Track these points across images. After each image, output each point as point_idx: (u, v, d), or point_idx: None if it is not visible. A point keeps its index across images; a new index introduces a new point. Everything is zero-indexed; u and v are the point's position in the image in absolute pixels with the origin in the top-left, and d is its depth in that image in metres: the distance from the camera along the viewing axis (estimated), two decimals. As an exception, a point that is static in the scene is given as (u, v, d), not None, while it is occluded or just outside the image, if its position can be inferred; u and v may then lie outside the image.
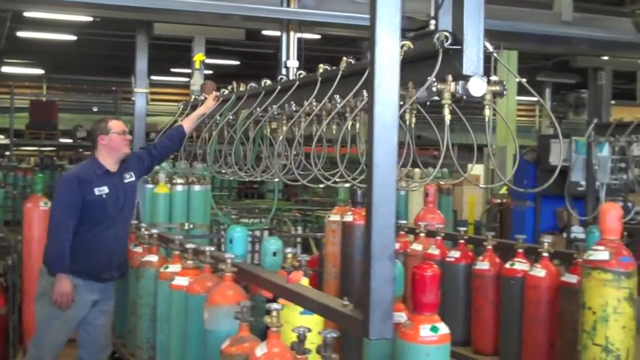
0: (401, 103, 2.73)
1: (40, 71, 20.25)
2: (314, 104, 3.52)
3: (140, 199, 5.63)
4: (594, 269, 3.35)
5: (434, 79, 2.57)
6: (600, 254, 3.36)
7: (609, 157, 6.36)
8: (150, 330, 4.14)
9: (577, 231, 7.88)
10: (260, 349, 2.72)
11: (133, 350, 4.44)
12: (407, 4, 4.02)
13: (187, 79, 21.86)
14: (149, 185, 10.14)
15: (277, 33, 5.03)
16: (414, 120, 3.12)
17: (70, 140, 19.09)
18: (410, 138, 3.30)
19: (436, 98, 2.65)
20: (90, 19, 12.77)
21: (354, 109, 3.21)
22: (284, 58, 4.99)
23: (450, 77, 2.57)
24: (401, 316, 2.92)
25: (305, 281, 3.19)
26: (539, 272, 4.03)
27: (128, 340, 4.64)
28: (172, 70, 20.15)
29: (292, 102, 3.80)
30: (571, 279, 3.76)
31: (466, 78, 2.53)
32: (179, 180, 9.98)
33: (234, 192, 17.72)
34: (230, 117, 4.69)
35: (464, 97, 2.58)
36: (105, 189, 4.47)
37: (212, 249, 3.53)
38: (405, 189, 9.72)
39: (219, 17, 5.44)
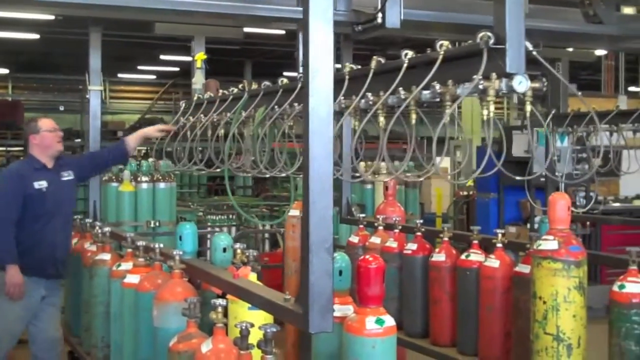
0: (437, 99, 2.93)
1: (5, 70, 20.04)
2: (343, 101, 3.56)
3: (97, 198, 5.55)
4: (544, 259, 3.36)
5: (480, 77, 2.69)
6: (550, 244, 3.36)
7: (568, 147, 6.40)
8: (104, 329, 4.10)
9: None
10: (206, 345, 2.70)
11: (89, 349, 4.40)
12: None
13: (153, 77, 21.87)
14: (114, 184, 10.09)
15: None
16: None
17: (36, 140, 18.89)
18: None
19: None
20: (52, 17, 12.65)
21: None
22: (301, 57, 4.92)
23: (494, 75, 2.69)
24: (349, 309, 2.91)
25: (253, 276, 3.17)
26: (493, 262, 4.04)
27: (84, 339, 4.60)
28: (139, 67, 20.04)
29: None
30: (524, 269, 3.77)
31: (510, 76, 2.67)
32: (144, 178, 9.93)
33: (203, 189, 17.62)
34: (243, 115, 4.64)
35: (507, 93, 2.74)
36: (44, 183, 4.61)
37: (162, 245, 3.49)
38: (376, 180, 9.72)
39: (225, 17, 5.30)
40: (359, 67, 3.57)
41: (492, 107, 2.91)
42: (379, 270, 2.73)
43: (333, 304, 2.78)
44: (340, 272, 3.00)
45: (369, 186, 11.02)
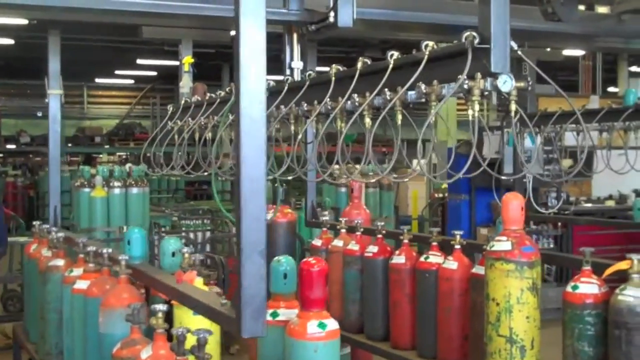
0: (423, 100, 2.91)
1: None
2: (329, 103, 3.50)
3: (57, 203, 5.48)
4: (497, 260, 3.33)
5: (465, 77, 2.68)
6: (503, 245, 3.33)
7: (535, 148, 6.38)
8: (58, 336, 4.03)
9: (512, 223, 7.90)
10: (146, 352, 2.65)
11: (43, 356, 4.32)
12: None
13: (131, 81, 21.74)
14: (86, 189, 10.00)
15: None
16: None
17: (14, 146, 18.79)
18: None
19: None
20: (26, 22, 12.53)
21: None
22: (287, 59, 4.88)
23: (479, 75, 2.70)
24: (294, 313, 2.86)
25: (199, 281, 3.12)
26: (451, 264, 4.02)
27: (39, 345, 4.52)
28: (117, 72, 19.91)
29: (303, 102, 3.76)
30: (480, 270, 3.73)
31: (495, 75, 2.68)
32: (116, 184, 9.86)
33: (180, 193, 17.53)
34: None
35: (492, 93, 2.76)
36: None
37: (110, 250, 3.43)
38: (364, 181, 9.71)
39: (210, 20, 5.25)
40: (345, 68, 3.54)
41: (477, 107, 2.87)
42: (321, 273, 2.69)
43: (267, 308, 2.77)
44: (285, 276, 2.96)
45: (343, 189, 10.99)
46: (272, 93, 3.93)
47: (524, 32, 4.85)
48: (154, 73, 19.89)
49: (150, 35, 8.35)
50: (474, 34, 2.65)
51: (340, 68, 3.41)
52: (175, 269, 3.39)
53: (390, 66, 3.01)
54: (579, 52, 14.73)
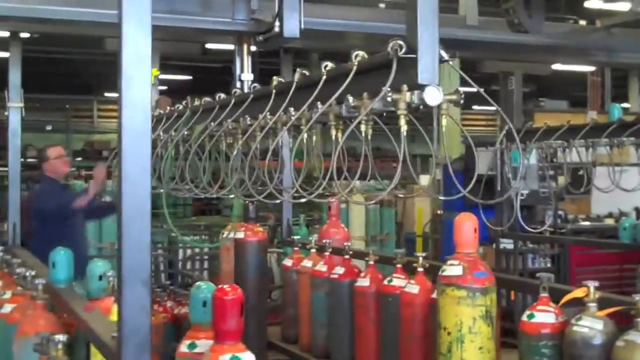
0: (356, 114, 2.66)
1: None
2: (269, 116, 3.26)
3: (17, 220, 5.31)
4: (448, 286, 3.08)
5: (389, 89, 2.45)
6: (454, 269, 3.09)
7: (520, 165, 6.12)
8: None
9: (507, 242, 7.64)
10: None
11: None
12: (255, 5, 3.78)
13: (168, 98, 21.67)
14: (79, 204, 9.83)
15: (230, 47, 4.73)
16: (370, 131, 2.88)
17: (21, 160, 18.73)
18: (368, 149, 3.03)
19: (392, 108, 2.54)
20: (28, 35, 12.48)
21: (308, 120, 2.96)
22: (237, 71, 4.70)
23: (405, 87, 2.46)
24: (208, 344, 2.62)
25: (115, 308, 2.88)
26: (413, 288, 3.75)
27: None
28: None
29: (246, 116, 3.52)
30: (440, 295, 3.48)
31: (422, 87, 2.42)
32: (108, 199, 9.69)
33: (188, 209, 17.35)
34: (185, 133, 4.46)
35: (420, 107, 2.49)
36: None
37: (34, 273, 3.22)
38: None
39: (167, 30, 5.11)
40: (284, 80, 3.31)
41: (403, 122, 2.60)
42: (235, 302, 2.44)
43: (186, 338, 2.55)
44: (205, 304, 2.72)
45: (343, 206, 10.75)
46: (221, 107, 3.71)
47: (490, 44, 4.61)
48: (164, 87, 19.80)
49: (114, 47, 8.15)
50: (401, 43, 2.40)
51: (282, 80, 3.17)
52: (101, 293, 3.16)
53: (324, 78, 2.76)
54: (588, 68, 14.48)
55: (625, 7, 6.88)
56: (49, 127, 20.02)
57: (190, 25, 3.73)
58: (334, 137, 3.00)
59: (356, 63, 2.60)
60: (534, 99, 19.54)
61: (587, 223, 8.47)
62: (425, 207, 12.61)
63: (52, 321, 2.92)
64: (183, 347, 2.67)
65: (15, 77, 5.06)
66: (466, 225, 3.15)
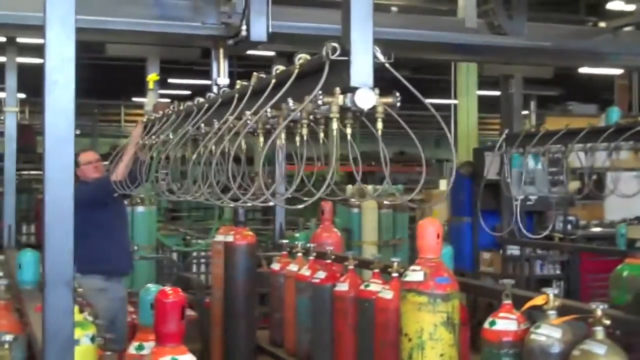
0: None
1: (22, 95, 20.15)
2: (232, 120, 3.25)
3: (12, 222, 5.37)
4: (409, 292, 3.06)
5: (320, 92, 2.40)
6: (416, 275, 3.06)
7: (521, 170, 6.05)
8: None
9: (514, 247, 7.56)
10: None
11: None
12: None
13: (166, 100, 21.86)
14: (92, 207, 9.91)
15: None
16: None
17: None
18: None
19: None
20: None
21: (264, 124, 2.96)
22: (214, 75, 4.72)
23: (338, 90, 2.40)
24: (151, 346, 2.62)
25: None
26: (387, 293, 3.71)
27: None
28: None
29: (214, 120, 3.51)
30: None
31: (354, 90, 2.36)
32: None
33: (210, 212, 17.40)
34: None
35: (357, 110, 2.41)
36: None
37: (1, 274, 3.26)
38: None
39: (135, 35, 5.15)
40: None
41: (334, 125, 2.56)
42: (176, 305, 2.45)
43: (135, 340, 2.55)
44: (152, 306, 2.72)
45: (355, 210, 10.71)
46: (198, 111, 3.72)
47: (464, 47, 4.56)
48: (188, 92, 19.94)
49: (114, 53, 8.23)
50: (335, 45, 2.37)
51: (245, 84, 3.15)
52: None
53: (273, 82, 2.74)
54: (616, 71, 14.26)
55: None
56: (78, 132, 20.22)
57: (159, 30, 3.73)
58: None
59: (298, 66, 2.56)
60: (562, 103, 19.31)
61: (598, 229, 8.32)
62: (442, 211, 12.51)
63: (12, 321, 2.94)
64: (131, 349, 2.69)
65: (11, 82, 5.12)
66: (429, 231, 3.11)
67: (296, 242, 4.95)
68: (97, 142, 19.31)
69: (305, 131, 2.53)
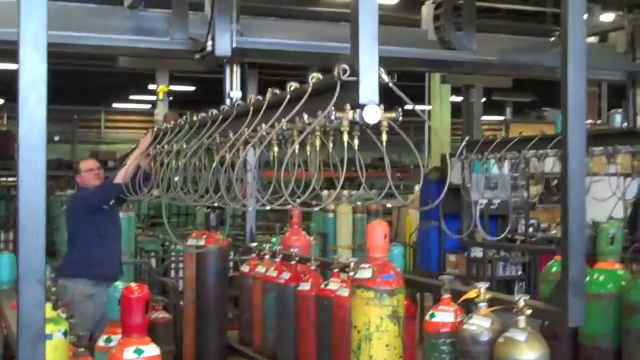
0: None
1: (0, 101, 20.33)
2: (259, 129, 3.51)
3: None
4: (358, 287, 3.33)
5: (333, 108, 2.74)
6: (364, 272, 3.33)
7: (483, 175, 6.34)
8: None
9: (478, 250, 7.85)
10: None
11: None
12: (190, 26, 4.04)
13: (148, 106, 22.03)
14: (71, 213, 10.11)
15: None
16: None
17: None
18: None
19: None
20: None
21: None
22: (227, 89, 4.99)
23: (348, 106, 2.73)
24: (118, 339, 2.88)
25: (48, 306, 3.14)
26: (344, 291, 3.99)
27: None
28: (131, 97, 20.22)
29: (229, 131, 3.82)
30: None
31: (362, 107, 2.70)
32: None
33: (190, 218, 17.60)
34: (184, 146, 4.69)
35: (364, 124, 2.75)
36: None
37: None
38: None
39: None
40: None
41: (346, 138, 2.86)
42: (140, 300, 2.71)
43: (104, 333, 2.79)
44: (120, 302, 2.98)
45: (330, 215, 10.98)
46: (213, 122, 3.99)
47: (425, 61, 4.85)
48: (170, 98, 20.13)
49: (125, 65, 8.46)
50: (345, 66, 2.69)
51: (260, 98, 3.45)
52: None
53: (287, 97, 3.05)
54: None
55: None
56: (56, 138, 20.35)
57: (129, 45, 3.98)
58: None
59: (311, 85, 2.91)
60: (538, 110, 19.63)
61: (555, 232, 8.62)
62: (416, 216, 12.81)
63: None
64: (100, 342, 2.94)
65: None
66: (377, 231, 3.39)
67: (264, 245, 5.18)
68: (76, 148, 19.45)
69: (318, 142, 2.89)
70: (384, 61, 2.75)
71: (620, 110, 7.28)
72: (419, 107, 3.36)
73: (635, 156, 5.14)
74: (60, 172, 18.00)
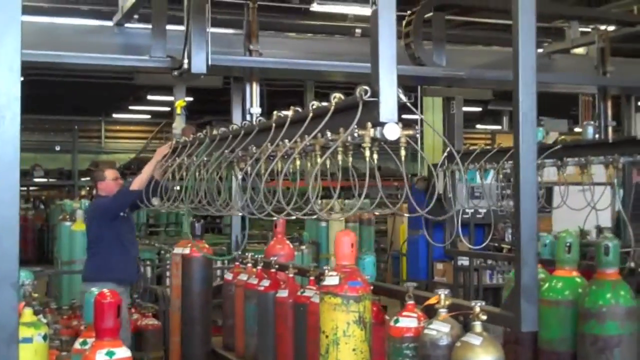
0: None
1: None
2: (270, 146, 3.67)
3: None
4: (326, 294, 3.47)
5: (356, 126, 2.94)
6: (332, 279, 3.47)
7: (463, 185, 6.49)
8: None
9: (464, 258, 7.99)
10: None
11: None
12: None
13: (148, 116, 22.27)
14: (67, 223, 10.30)
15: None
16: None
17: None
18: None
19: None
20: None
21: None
22: (247, 105, 5.18)
23: (369, 124, 2.93)
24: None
25: (29, 312, 3.29)
26: (318, 298, 4.14)
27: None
28: (131, 108, 20.41)
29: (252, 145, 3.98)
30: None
31: (383, 125, 2.89)
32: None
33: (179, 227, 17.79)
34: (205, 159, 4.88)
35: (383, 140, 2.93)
36: None
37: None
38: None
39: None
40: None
41: (367, 153, 3.03)
42: (112, 305, 2.86)
43: (80, 337, 2.94)
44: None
45: (323, 224, 11.14)
46: (234, 136, 4.19)
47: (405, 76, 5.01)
48: (167, 108, 20.33)
49: (143, 82, 8.62)
50: (366, 88, 2.88)
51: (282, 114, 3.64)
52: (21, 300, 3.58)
53: (310, 115, 3.22)
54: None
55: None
56: (57, 148, 20.52)
57: (110, 63, 4.14)
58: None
59: (333, 104, 3.11)
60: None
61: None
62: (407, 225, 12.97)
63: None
64: (77, 345, 3.09)
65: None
66: (344, 241, 3.54)
67: (246, 254, 5.34)
68: (77, 158, 19.63)
69: (340, 157, 3.10)
70: (354, 77, 2.93)
71: (592, 122, 7.42)
72: (410, 117, 3.56)
73: (607, 167, 5.29)
74: (61, 181, 18.17)
